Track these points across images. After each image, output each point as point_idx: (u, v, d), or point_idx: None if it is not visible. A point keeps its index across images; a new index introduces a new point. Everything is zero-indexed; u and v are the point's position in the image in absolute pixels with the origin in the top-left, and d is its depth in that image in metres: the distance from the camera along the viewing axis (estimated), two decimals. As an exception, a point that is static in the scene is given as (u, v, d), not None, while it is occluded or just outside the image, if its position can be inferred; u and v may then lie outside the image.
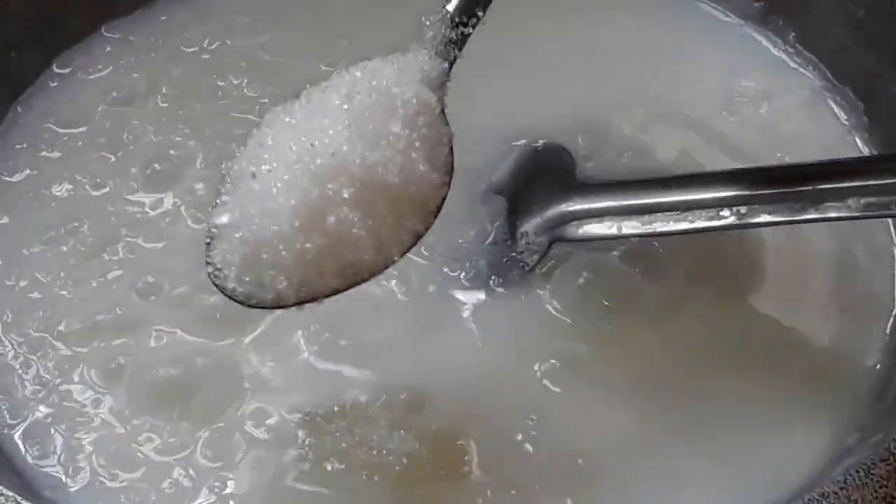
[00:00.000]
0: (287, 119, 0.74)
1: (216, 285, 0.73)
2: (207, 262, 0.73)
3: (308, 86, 0.76)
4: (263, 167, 0.72)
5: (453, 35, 0.77)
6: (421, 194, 0.73)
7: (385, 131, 0.72)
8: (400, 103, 0.73)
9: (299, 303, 0.72)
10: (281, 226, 0.70)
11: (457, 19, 0.77)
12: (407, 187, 0.72)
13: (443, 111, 0.75)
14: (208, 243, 0.74)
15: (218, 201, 0.74)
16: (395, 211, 0.72)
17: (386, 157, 0.71)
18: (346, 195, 0.70)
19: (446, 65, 0.77)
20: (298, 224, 0.70)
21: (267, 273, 0.71)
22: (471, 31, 0.78)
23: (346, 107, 0.72)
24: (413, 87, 0.74)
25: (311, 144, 0.71)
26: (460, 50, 0.78)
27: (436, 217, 0.74)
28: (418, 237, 0.73)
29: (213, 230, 0.73)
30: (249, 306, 0.72)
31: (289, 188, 0.70)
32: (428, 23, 0.77)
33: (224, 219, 0.73)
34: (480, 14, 0.78)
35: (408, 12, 0.94)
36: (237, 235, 0.71)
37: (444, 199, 0.74)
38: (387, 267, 0.73)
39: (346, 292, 0.72)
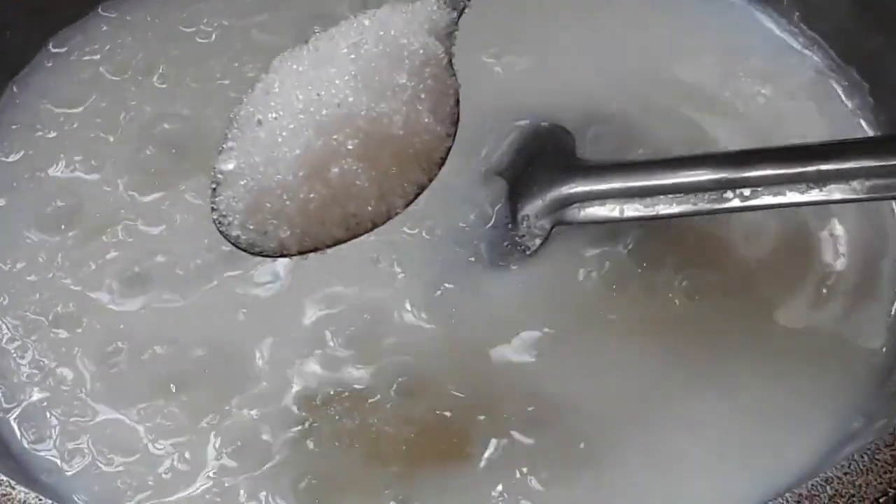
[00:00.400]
0: (294, 66, 0.75)
1: (220, 232, 0.74)
2: (213, 209, 0.74)
3: (316, 29, 0.77)
4: (270, 115, 0.73)
5: None
6: (425, 146, 0.73)
7: (391, 82, 0.72)
8: (407, 54, 0.73)
9: (302, 252, 0.72)
10: (285, 175, 0.70)
11: None
12: (411, 139, 0.72)
13: (450, 62, 0.75)
14: (214, 189, 0.74)
15: (224, 146, 0.75)
16: (398, 162, 0.72)
17: (391, 108, 0.71)
18: (350, 146, 0.70)
19: (455, 14, 0.77)
20: (302, 174, 0.70)
21: (270, 222, 0.71)
22: None
23: (353, 56, 0.73)
24: (420, 38, 0.74)
25: (318, 94, 0.72)
26: (469, 0, 0.77)
27: (440, 168, 0.74)
28: (422, 188, 0.74)
29: (219, 176, 0.74)
30: (252, 254, 0.73)
31: (294, 137, 0.71)
32: None
33: (230, 165, 0.73)
34: None
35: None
36: (242, 183, 0.72)
37: (448, 150, 0.74)
38: (390, 218, 0.73)
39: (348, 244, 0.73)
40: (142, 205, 0.91)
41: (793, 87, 0.98)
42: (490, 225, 0.89)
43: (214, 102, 0.96)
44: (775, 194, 0.82)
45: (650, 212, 0.85)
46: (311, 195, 0.71)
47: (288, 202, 0.71)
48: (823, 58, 0.99)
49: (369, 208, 0.72)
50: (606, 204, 0.86)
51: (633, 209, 0.85)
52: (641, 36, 1.00)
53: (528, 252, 0.88)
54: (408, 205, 0.73)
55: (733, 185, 0.82)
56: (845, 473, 0.71)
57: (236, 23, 1.01)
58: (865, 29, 0.96)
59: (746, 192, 0.82)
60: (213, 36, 1.01)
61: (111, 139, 0.95)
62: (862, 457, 0.71)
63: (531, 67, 0.97)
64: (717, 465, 0.80)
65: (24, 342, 0.85)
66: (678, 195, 0.84)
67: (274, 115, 0.73)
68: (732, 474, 0.79)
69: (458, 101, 0.75)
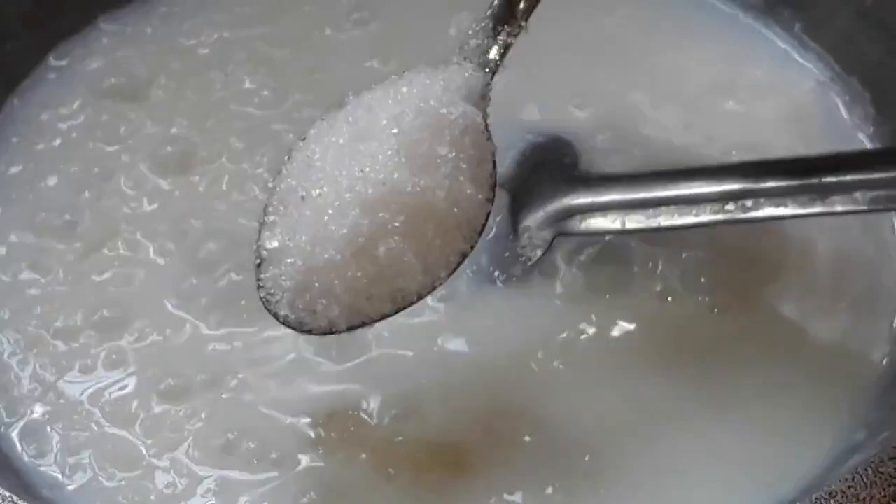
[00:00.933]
0: (334, 138, 0.75)
1: (268, 310, 0.74)
2: (259, 286, 0.74)
3: (351, 95, 0.77)
4: (314, 191, 0.73)
5: (495, 45, 0.78)
6: (466, 214, 0.73)
7: (434, 155, 0.72)
8: (447, 124, 0.73)
9: (350, 328, 0.73)
10: (333, 255, 0.70)
11: (499, 28, 0.78)
12: (453, 209, 0.72)
13: (486, 125, 0.76)
14: (258, 265, 0.74)
15: (265, 219, 0.75)
16: (442, 234, 0.72)
17: (435, 182, 0.71)
18: (396, 224, 0.71)
19: (489, 76, 0.77)
20: (350, 253, 0.70)
21: (319, 301, 0.72)
22: (513, 40, 0.78)
23: (395, 131, 0.72)
24: (459, 107, 0.74)
25: (361, 171, 0.71)
26: (502, 60, 0.78)
27: (480, 235, 0.74)
28: (464, 257, 0.74)
29: (264, 252, 0.74)
30: (301, 332, 0.73)
31: (340, 216, 0.71)
32: (470, 32, 0.78)
33: (275, 243, 0.73)
34: (523, 23, 0.78)
35: (402, 3, 0.96)
36: (289, 261, 0.72)
37: (488, 216, 0.75)
38: (434, 288, 0.73)
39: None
40: (143, 217, 0.91)
41: (794, 99, 0.97)
42: (491, 236, 0.88)
43: (215, 115, 0.96)
44: (777, 206, 0.81)
45: (652, 223, 0.84)
46: (359, 273, 0.71)
47: (336, 281, 0.71)
48: (825, 69, 0.99)
49: (415, 282, 0.72)
50: (608, 215, 0.86)
51: (634, 221, 0.85)
52: (642, 46, 1.00)
53: (529, 263, 0.87)
54: (451, 274, 0.74)
55: (735, 196, 0.82)
56: (849, 486, 0.71)
57: (237, 35, 1.01)
58: (868, 39, 0.96)
59: (748, 203, 0.82)
60: (214, 48, 1.01)
61: (111, 152, 0.94)
62: (866, 470, 0.71)
63: (532, 80, 0.96)
64: (720, 478, 0.79)
65: (25, 356, 0.84)
66: (680, 207, 0.84)
67: (317, 191, 0.72)
68: (736, 487, 0.79)
69: (495, 164, 0.75)
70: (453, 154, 0.72)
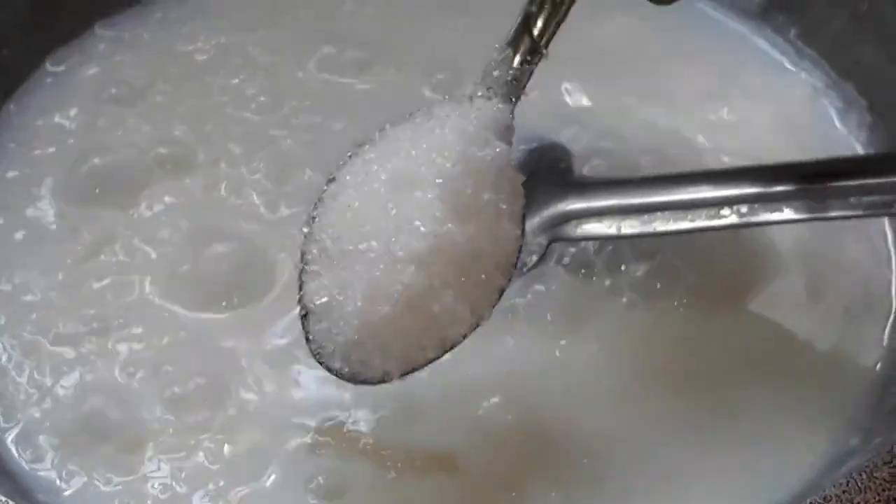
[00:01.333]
0: (374, 186, 0.74)
1: (320, 363, 0.73)
2: (308, 339, 0.73)
3: (377, 133, 0.77)
4: (361, 245, 0.72)
5: (517, 74, 0.78)
6: (504, 250, 0.73)
7: (478, 201, 0.72)
8: (485, 166, 0.73)
9: (402, 375, 0.73)
10: (388, 311, 0.70)
11: (520, 57, 0.78)
12: (495, 250, 0.73)
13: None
14: (304, 315, 0.73)
15: (305, 268, 0.74)
16: (487, 274, 0.72)
17: (480, 228, 0.72)
18: (449, 277, 0.71)
19: (513, 106, 0.77)
20: (405, 308, 0.70)
21: (374, 354, 0.71)
22: (533, 68, 0.78)
23: (439, 180, 0.72)
24: (494, 146, 0.74)
25: (409, 224, 0.71)
26: (524, 87, 0.78)
27: (515, 267, 0.74)
28: (503, 291, 0.74)
29: (311, 305, 0.73)
30: (355, 383, 0.73)
31: (393, 272, 0.70)
32: (493, 63, 0.78)
33: (324, 298, 0.72)
34: (544, 51, 0.78)
35: (398, 10, 0.96)
36: (339, 315, 0.71)
37: (520, 249, 0.74)
38: (478, 326, 0.73)
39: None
40: (140, 223, 0.91)
41: (790, 104, 0.98)
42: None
43: (213, 120, 0.96)
44: (773, 211, 0.82)
45: (647, 229, 0.84)
46: (414, 326, 0.71)
47: (391, 336, 0.71)
48: (821, 75, 0.99)
49: (464, 327, 0.72)
50: (604, 220, 0.86)
51: (630, 226, 0.85)
52: (635, 54, 1.00)
53: (525, 269, 0.87)
54: (492, 309, 0.74)
55: (731, 201, 0.82)
56: (844, 491, 0.71)
57: (234, 40, 1.02)
58: (863, 45, 0.96)
59: (744, 209, 0.82)
60: (211, 53, 1.01)
61: (108, 157, 0.94)
62: (860, 474, 0.72)
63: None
64: (715, 482, 0.79)
65: (21, 361, 0.84)
66: (675, 212, 0.84)
67: (365, 245, 0.72)
68: (731, 493, 0.79)
69: (524, 195, 0.75)
70: (495, 197, 0.72)
